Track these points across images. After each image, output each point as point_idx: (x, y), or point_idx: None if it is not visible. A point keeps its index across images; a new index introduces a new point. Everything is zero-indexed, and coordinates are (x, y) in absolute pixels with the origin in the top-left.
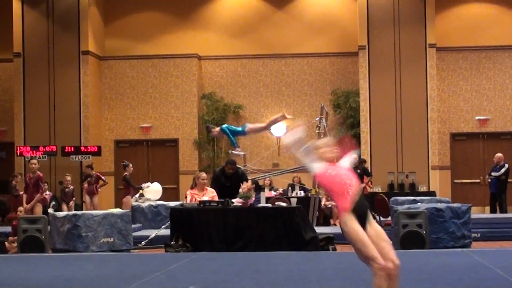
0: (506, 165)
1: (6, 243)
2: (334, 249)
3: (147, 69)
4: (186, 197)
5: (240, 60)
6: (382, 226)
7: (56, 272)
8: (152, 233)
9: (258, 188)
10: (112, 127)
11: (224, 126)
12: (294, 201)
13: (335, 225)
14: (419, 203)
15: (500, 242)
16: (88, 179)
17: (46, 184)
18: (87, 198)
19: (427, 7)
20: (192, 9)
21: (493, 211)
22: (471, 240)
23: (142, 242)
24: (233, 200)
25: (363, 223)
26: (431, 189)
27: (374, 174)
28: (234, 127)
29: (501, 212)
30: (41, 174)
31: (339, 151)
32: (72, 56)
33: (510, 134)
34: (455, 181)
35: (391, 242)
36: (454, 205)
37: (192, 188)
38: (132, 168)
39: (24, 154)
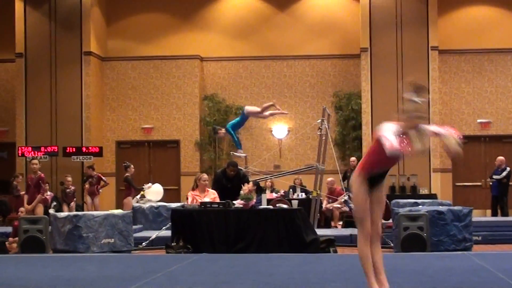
0: (508, 168)
1: (6, 243)
2: (335, 251)
3: (149, 70)
4: (187, 199)
5: (242, 62)
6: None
7: (56, 273)
8: (153, 234)
9: (260, 190)
10: (113, 128)
11: (228, 125)
12: (295, 203)
13: (336, 227)
14: (420, 206)
15: (501, 245)
16: (90, 179)
17: (47, 184)
18: (88, 198)
19: (429, 9)
20: (194, 11)
21: (494, 214)
22: (472, 243)
23: (143, 243)
24: (234, 202)
25: (373, 185)
26: (432, 192)
27: None
28: (235, 121)
29: (502, 215)
30: (42, 175)
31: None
32: (74, 57)
33: None
34: (457, 184)
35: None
36: (456, 208)
37: (193, 189)
38: (133, 169)
39: (25, 155)
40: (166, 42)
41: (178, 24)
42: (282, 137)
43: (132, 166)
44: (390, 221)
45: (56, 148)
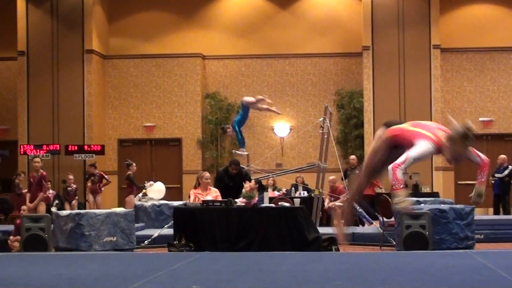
0: (510, 167)
1: (8, 241)
2: (337, 250)
3: (151, 68)
4: (189, 197)
5: (244, 60)
6: (385, 227)
7: (58, 271)
8: (155, 232)
9: (262, 188)
10: (115, 126)
11: (234, 123)
12: (297, 201)
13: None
14: (422, 204)
15: (503, 243)
16: (92, 178)
17: (49, 182)
18: (90, 197)
19: (431, 8)
20: (196, 9)
21: (496, 212)
22: (474, 241)
23: (145, 242)
24: (236, 200)
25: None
26: (434, 190)
27: None
28: (239, 116)
29: (504, 213)
30: (44, 173)
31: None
32: (76, 55)
33: None
34: (459, 182)
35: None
36: (458, 206)
37: (195, 187)
38: (135, 167)
39: (27, 153)
40: (168, 40)
41: (180, 22)
42: (284, 135)
43: (134, 164)
44: (392, 219)
45: (58, 146)
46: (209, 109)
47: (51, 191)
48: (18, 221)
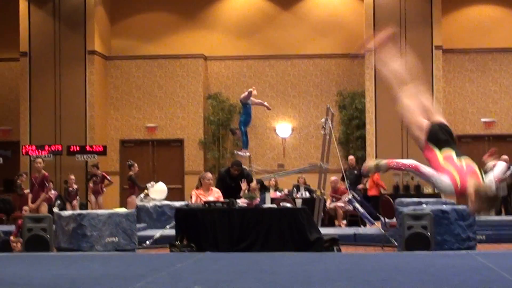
0: None
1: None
2: (339, 250)
3: (153, 69)
4: (191, 197)
5: (246, 61)
6: (387, 228)
7: (60, 271)
8: (157, 233)
9: (264, 188)
10: (117, 127)
11: (240, 125)
12: (299, 202)
13: (340, 226)
14: (424, 205)
15: (505, 244)
16: (94, 178)
17: (51, 183)
18: (92, 197)
19: (433, 8)
20: (198, 10)
21: (498, 213)
22: (476, 242)
23: (147, 242)
24: (238, 201)
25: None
26: (436, 191)
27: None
28: (243, 116)
29: (506, 214)
30: (46, 174)
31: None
32: (78, 56)
33: None
34: None
35: None
36: (460, 207)
37: (197, 188)
38: (137, 168)
39: (29, 153)
40: (170, 41)
41: (182, 23)
42: (286, 136)
43: (136, 165)
44: (394, 220)
45: (60, 147)
46: (211, 110)
47: (53, 191)
48: (19, 222)
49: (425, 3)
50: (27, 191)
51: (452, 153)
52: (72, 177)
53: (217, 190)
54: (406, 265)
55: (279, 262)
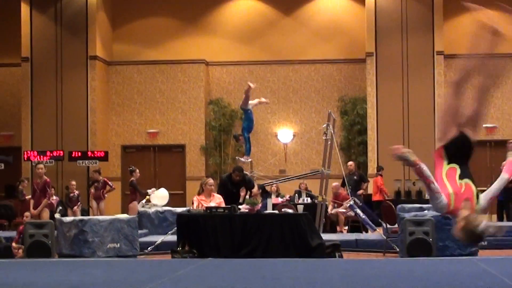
0: None
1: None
2: (341, 256)
3: (155, 74)
4: (192, 203)
5: (247, 66)
6: (388, 234)
7: (62, 278)
8: (159, 239)
9: (266, 193)
10: (119, 132)
11: (244, 131)
12: (300, 208)
13: (341, 232)
14: (426, 211)
15: (507, 250)
16: (95, 184)
17: (53, 189)
18: (93, 203)
19: (435, 14)
20: (199, 15)
21: (500, 219)
22: (477, 248)
23: (149, 248)
24: (239, 207)
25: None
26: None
27: None
28: (245, 123)
29: (508, 220)
30: (48, 179)
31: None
32: (79, 61)
33: None
34: None
35: None
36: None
37: (199, 194)
38: (139, 174)
39: (31, 159)
40: (172, 47)
41: (184, 29)
42: (287, 142)
43: (137, 170)
44: (396, 226)
45: (61, 152)
46: (212, 115)
47: (54, 197)
48: (20, 227)
49: (427, 8)
50: (28, 197)
51: (457, 171)
52: (73, 183)
53: (219, 196)
54: (408, 271)
55: (280, 268)
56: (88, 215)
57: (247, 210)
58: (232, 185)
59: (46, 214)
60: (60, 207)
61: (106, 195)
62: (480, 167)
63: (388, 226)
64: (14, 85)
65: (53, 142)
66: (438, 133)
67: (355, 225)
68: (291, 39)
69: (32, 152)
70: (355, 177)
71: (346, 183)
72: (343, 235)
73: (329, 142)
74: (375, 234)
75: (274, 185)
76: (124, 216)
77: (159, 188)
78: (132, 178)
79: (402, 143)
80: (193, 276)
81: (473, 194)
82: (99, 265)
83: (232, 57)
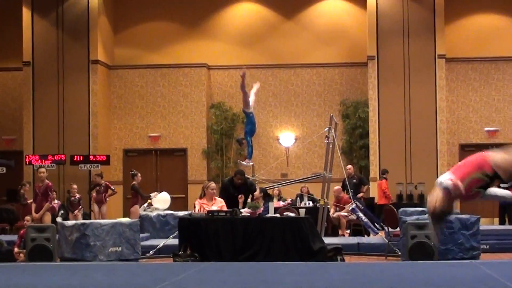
0: None
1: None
2: (343, 260)
3: (156, 78)
4: (194, 207)
5: (249, 70)
6: (390, 237)
7: (63, 281)
8: (161, 242)
9: (268, 197)
10: (120, 136)
11: (246, 135)
12: (302, 211)
13: (343, 235)
14: (427, 214)
15: (509, 253)
16: (97, 188)
17: (54, 192)
18: (95, 207)
19: (436, 17)
20: (201, 19)
21: (502, 222)
22: (480, 251)
23: (150, 252)
24: (241, 210)
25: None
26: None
27: None
28: (248, 126)
29: (510, 223)
30: (50, 183)
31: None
32: (81, 65)
33: None
34: None
35: None
36: (463, 216)
37: (200, 197)
38: (140, 177)
39: (33, 163)
40: (173, 51)
41: (185, 33)
42: (289, 145)
43: (139, 174)
44: (398, 229)
45: (63, 156)
46: (214, 119)
47: (56, 201)
48: (22, 232)
49: (428, 12)
50: (30, 201)
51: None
52: (75, 186)
53: (221, 199)
54: (410, 274)
55: (282, 272)
56: (90, 219)
57: (248, 214)
58: (234, 188)
59: (48, 218)
60: (62, 211)
61: (108, 199)
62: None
63: (390, 229)
64: (16, 89)
65: (55, 146)
66: (504, 164)
67: (357, 229)
68: (292, 43)
69: (34, 156)
70: (354, 180)
71: (345, 187)
72: (345, 238)
73: (330, 146)
74: (377, 237)
75: (276, 188)
76: (126, 220)
77: (161, 191)
78: (134, 182)
79: (404, 146)
80: (195, 280)
81: (470, 176)
82: (100, 269)
83: (233, 61)
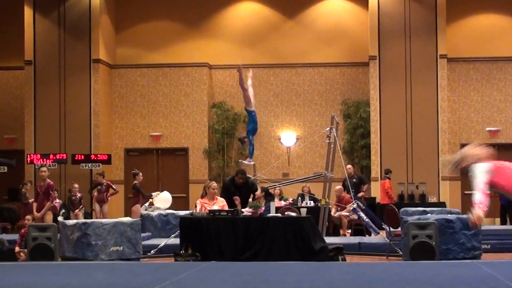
0: None
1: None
2: (344, 260)
3: (158, 77)
4: (196, 206)
5: (250, 70)
6: (391, 237)
7: (65, 281)
8: (162, 242)
9: (269, 196)
10: (122, 136)
11: (248, 134)
12: (303, 211)
13: (344, 235)
14: (429, 214)
15: (510, 253)
16: (98, 187)
17: (56, 192)
18: (97, 206)
19: (438, 17)
20: (202, 18)
21: (503, 222)
22: (481, 251)
23: (152, 251)
24: (242, 210)
25: None
26: (441, 200)
27: None
28: (249, 125)
29: (511, 223)
30: (51, 182)
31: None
32: (83, 64)
33: None
34: (465, 192)
35: None
36: (464, 216)
37: (202, 197)
38: (142, 177)
39: (34, 162)
40: (175, 50)
41: (187, 32)
42: (290, 145)
43: (140, 173)
44: (399, 229)
45: (65, 155)
46: (215, 118)
47: (57, 200)
48: (23, 231)
49: (430, 12)
50: (31, 200)
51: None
52: (76, 185)
53: (222, 199)
54: (411, 274)
55: (283, 271)
56: (91, 218)
57: (250, 213)
58: (235, 188)
59: (49, 217)
60: (63, 210)
61: (109, 198)
62: None
63: (391, 229)
64: (18, 88)
65: (56, 145)
66: None
67: (358, 228)
68: (294, 43)
69: (35, 155)
70: (354, 180)
71: (345, 187)
72: (346, 238)
73: (332, 146)
74: (378, 237)
75: (277, 188)
76: (127, 219)
77: (162, 191)
78: (135, 181)
79: (405, 146)
80: (196, 279)
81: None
82: (102, 268)
83: (235, 60)
